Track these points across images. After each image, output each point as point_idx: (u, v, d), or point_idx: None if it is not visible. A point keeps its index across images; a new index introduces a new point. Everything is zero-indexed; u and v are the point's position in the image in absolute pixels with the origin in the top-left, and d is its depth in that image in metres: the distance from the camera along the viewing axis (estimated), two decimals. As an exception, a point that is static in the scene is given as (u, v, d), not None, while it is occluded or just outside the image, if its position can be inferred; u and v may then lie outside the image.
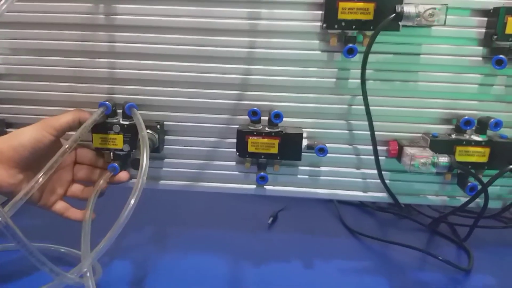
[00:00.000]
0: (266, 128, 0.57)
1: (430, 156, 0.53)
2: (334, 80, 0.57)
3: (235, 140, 0.58)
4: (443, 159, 0.53)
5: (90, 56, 0.58)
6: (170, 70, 0.58)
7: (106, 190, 0.58)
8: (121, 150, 0.58)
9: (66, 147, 0.50)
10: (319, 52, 0.56)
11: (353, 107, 0.58)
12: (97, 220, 0.54)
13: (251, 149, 0.57)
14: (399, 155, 0.57)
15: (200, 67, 0.57)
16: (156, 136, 0.57)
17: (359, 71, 0.53)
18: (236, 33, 0.56)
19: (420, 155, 0.53)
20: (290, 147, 0.57)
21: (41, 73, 0.59)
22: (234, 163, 0.61)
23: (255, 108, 0.56)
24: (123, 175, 0.59)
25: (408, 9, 0.48)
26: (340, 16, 0.51)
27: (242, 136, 0.57)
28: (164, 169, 0.62)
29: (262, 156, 0.58)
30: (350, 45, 0.52)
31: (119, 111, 0.58)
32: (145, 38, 0.57)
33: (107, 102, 0.56)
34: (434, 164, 0.53)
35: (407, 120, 0.59)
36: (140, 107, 0.58)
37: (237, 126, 0.58)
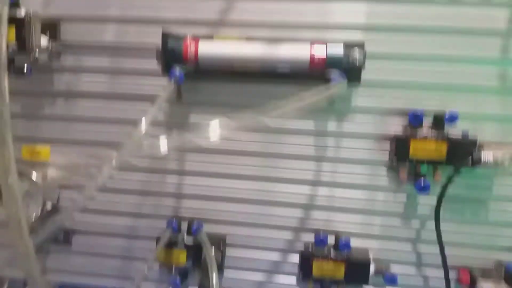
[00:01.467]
0: (332, 251, 0.56)
1: (508, 293, 0.50)
2: (403, 205, 0.56)
3: (297, 256, 0.57)
4: (521, 297, 0.50)
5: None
6: (238, 188, 0.59)
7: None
8: (184, 266, 0.58)
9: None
10: (387, 178, 0.56)
11: (422, 231, 0.57)
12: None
13: (316, 272, 0.56)
14: (471, 286, 0.55)
15: (266, 185, 0.59)
16: (220, 254, 0.58)
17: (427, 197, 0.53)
18: (303, 158, 0.57)
19: (497, 292, 0.50)
20: (357, 272, 0.55)
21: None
22: (295, 279, 0.60)
23: (321, 235, 0.56)
24: None
25: (486, 157, 0.47)
26: (412, 155, 0.50)
27: (306, 259, 0.56)
28: (224, 281, 0.62)
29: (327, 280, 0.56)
30: (423, 184, 0.51)
31: (183, 224, 0.59)
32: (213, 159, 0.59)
33: (174, 221, 0.57)
34: (512, 301, 0.50)
35: (477, 247, 0.56)
36: (204, 221, 0.59)
37: (300, 243, 0.58)
